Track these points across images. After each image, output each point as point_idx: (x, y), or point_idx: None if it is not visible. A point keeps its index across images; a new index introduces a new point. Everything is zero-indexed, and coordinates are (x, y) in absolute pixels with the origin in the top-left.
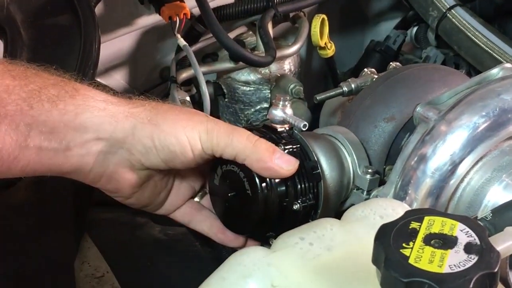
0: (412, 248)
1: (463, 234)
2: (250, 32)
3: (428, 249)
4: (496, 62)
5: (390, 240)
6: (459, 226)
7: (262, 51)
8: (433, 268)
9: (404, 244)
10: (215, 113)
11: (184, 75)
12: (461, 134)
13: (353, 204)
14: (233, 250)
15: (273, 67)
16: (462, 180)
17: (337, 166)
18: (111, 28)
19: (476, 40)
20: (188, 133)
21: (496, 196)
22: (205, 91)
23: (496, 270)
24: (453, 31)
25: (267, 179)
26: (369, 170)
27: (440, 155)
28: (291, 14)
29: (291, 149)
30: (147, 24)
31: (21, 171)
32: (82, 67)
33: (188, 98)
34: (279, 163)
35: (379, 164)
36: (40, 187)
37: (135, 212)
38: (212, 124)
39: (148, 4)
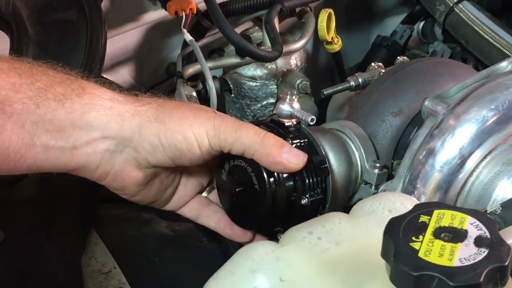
0: (421, 241)
1: (473, 227)
2: (257, 27)
3: (438, 243)
4: (504, 56)
5: (400, 233)
6: (469, 219)
7: (268, 46)
8: (443, 261)
9: (413, 238)
10: (221, 108)
11: (191, 70)
12: (470, 128)
13: (361, 199)
14: (240, 245)
15: (280, 62)
16: (471, 174)
17: (345, 160)
18: (117, 24)
19: (484, 34)
20: (195, 130)
21: (505, 190)
22: (212, 86)
23: (506, 263)
24: (460, 26)
25: (275, 174)
26: (377, 165)
27: (448, 149)
28: (297, 9)
29: (298, 144)
30: (153, 20)
31: (27, 168)
32: (89, 62)
33: (194, 94)
34: (288, 157)
35: (387, 158)
36: (47, 184)
37: (142, 208)
38: (219, 120)
39: (154, 0)
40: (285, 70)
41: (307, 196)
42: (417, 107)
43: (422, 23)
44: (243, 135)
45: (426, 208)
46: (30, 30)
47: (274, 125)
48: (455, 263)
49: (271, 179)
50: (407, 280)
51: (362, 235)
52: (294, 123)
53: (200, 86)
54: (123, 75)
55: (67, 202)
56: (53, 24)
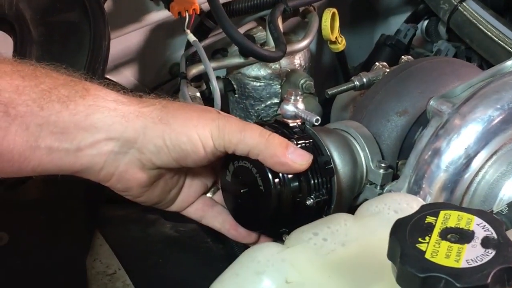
0: (428, 242)
1: (480, 228)
2: (260, 27)
3: (445, 244)
4: (509, 55)
5: (406, 235)
6: (476, 220)
7: (272, 46)
8: (450, 263)
9: (420, 239)
10: (225, 109)
11: (194, 71)
12: (476, 128)
13: (366, 199)
14: (245, 246)
15: (283, 62)
16: (476, 174)
17: (350, 160)
18: (121, 25)
19: (488, 33)
20: (200, 131)
21: (511, 190)
22: (216, 87)
23: None
24: (464, 24)
25: (280, 175)
26: (382, 165)
27: (454, 149)
28: (301, 9)
29: (303, 144)
30: (156, 20)
31: (32, 170)
32: (92, 63)
33: (198, 94)
34: (293, 158)
35: (392, 158)
36: (51, 185)
37: (146, 209)
38: (223, 121)
39: (158, 0)
40: (289, 70)
41: (312, 197)
42: (422, 107)
43: (426, 22)
44: (247, 136)
45: (432, 209)
46: (33, 31)
47: (278, 126)
48: (462, 264)
49: (276, 180)
50: (413, 282)
51: (368, 236)
52: (299, 123)
53: (204, 86)
54: (127, 76)
55: (71, 203)
56: (56, 26)
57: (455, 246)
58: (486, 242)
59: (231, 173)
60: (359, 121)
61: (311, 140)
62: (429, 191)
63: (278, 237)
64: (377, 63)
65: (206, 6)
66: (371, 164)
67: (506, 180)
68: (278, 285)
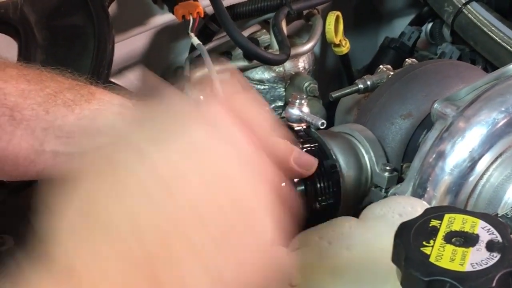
0: (432, 246)
1: (485, 231)
2: (264, 30)
3: (449, 247)
4: None
5: (410, 238)
6: (481, 223)
7: (276, 49)
8: (455, 266)
9: (424, 243)
10: None
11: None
12: (480, 130)
13: (371, 202)
14: None
15: (288, 65)
16: (481, 177)
17: (355, 164)
18: (125, 28)
19: (493, 35)
20: None
21: None
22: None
23: None
24: (469, 27)
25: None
26: (387, 168)
27: (458, 151)
28: (305, 12)
29: (309, 148)
30: (160, 24)
31: (36, 174)
32: (97, 67)
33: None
34: (298, 163)
35: (397, 161)
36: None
37: None
38: None
39: (162, 3)
40: (293, 73)
41: (318, 201)
42: (426, 110)
43: (430, 25)
44: None
45: (437, 212)
46: (38, 35)
47: None
48: (467, 268)
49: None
50: (418, 286)
51: (372, 239)
52: (304, 127)
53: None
54: (131, 79)
55: None
56: (61, 29)
57: (460, 250)
58: (491, 246)
59: None
60: (364, 124)
61: (316, 144)
62: (434, 194)
63: None
64: (381, 66)
65: (210, 10)
66: (376, 167)
67: (511, 183)
68: None
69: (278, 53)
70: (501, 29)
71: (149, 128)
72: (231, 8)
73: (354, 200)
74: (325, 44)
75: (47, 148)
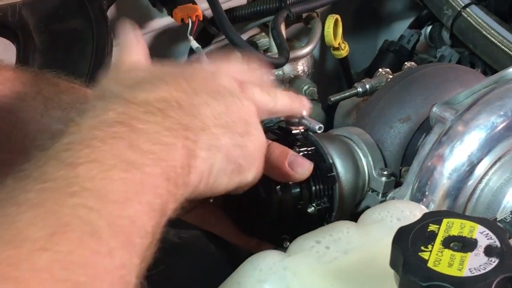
0: (430, 251)
1: (483, 236)
2: (263, 34)
3: (447, 252)
4: None
5: (408, 243)
6: (479, 228)
7: (275, 52)
8: (453, 271)
9: (422, 247)
10: None
11: None
12: (479, 134)
13: (368, 206)
14: (248, 252)
15: (287, 68)
16: (480, 181)
17: (352, 168)
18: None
19: (492, 39)
20: None
21: None
22: None
23: None
24: (468, 30)
25: (282, 182)
26: (385, 172)
27: (457, 155)
28: (304, 15)
29: (305, 152)
30: (159, 27)
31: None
32: (95, 71)
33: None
34: (293, 167)
35: (395, 165)
36: None
37: None
38: None
39: (161, 7)
40: (292, 76)
41: (313, 204)
42: (425, 113)
43: (429, 28)
44: None
45: (435, 216)
46: (36, 39)
47: (281, 133)
48: (465, 273)
49: (277, 187)
50: None
51: (370, 244)
52: (302, 130)
53: None
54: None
55: None
56: (59, 33)
57: (458, 255)
58: (489, 251)
59: None
60: (362, 128)
61: (313, 148)
62: (432, 199)
63: (279, 244)
64: (380, 70)
65: (209, 13)
66: (373, 171)
67: (510, 187)
68: None
69: (277, 56)
70: (500, 32)
71: None
72: (230, 11)
73: (351, 204)
74: (324, 47)
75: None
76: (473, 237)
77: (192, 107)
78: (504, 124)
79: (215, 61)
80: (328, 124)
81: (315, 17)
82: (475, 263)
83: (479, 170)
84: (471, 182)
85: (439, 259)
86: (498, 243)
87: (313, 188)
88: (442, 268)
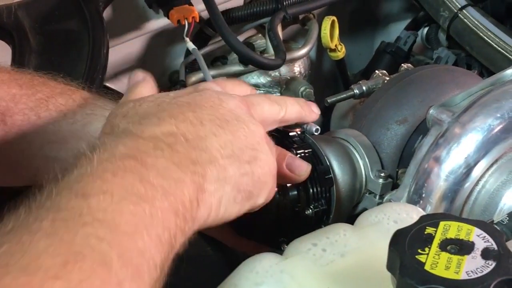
0: (427, 254)
1: (480, 239)
2: (260, 35)
3: (444, 255)
4: (509, 62)
5: (405, 246)
6: (476, 231)
7: (271, 53)
8: (450, 274)
9: (419, 250)
10: None
11: (194, 78)
12: (476, 137)
13: (365, 208)
14: (245, 255)
15: (283, 69)
16: (477, 183)
17: (349, 170)
18: (120, 33)
19: (489, 40)
20: None
21: None
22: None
23: None
24: (464, 32)
25: (279, 184)
26: (382, 174)
27: (454, 158)
28: (300, 16)
29: (303, 154)
30: (155, 28)
31: (29, 179)
32: (91, 72)
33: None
34: (291, 169)
35: (392, 167)
36: None
37: None
38: None
39: (157, 8)
40: (289, 77)
41: (311, 207)
42: (422, 115)
43: (426, 29)
44: None
45: (432, 219)
46: (32, 40)
47: (278, 135)
48: (462, 276)
49: (275, 189)
50: None
51: (367, 246)
52: (299, 132)
53: None
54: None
55: None
56: (55, 34)
57: (455, 258)
58: (486, 254)
59: None
60: (359, 130)
61: (310, 150)
62: (429, 201)
63: (276, 247)
64: (376, 71)
65: (205, 14)
66: (370, 173)
67: (507, 190)
68: None
69: (273, 57)
70: (496, 34)
71: None
72: (226, 12)
73: (348, 206)
74: (321, 49)
75: (40, 153)
76: (470, 240)
77: (199, 140)
78: (500, 126)
79: (220, 82)
80: (325, 126)
81: (312, 19)
82: (472, 266)
83: (476, 172)
84: (468, 185)
85: (436, 262)
86: (495, 246)
87: (311, 190)
88: (439, 271)
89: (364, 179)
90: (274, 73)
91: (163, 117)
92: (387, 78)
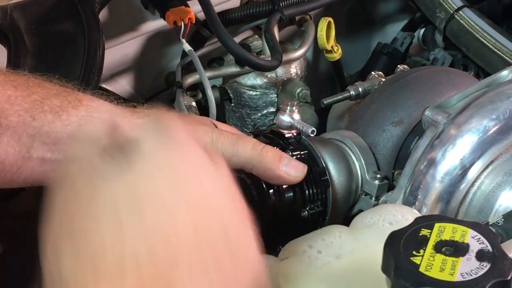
0: (422, 256)
1: (475, 241)
2: (256, 36)
3: (439, 257)
4: (505, 63)
5: (400, 247)
6: (471, 232)
7: (268, 55)
8: (445, 276)
9: (414, 252)
10: (221, 118)
11: (190, 80)
12: (471, 138)
13: (361, 210)
14: None
15: (280, 71)
16: (472, 185)
17: (345, 171)
18: (116, 34)
19: (485, 42)
20: None
21: (507, 201)
22: (211, 96)
23: (509, 277)
24: (461, 33)
25: (275, 186)
26: (378, 176)
27: (449, 159)
28: (297, 18)
29: (299, 155)
30: (152, 29)
31: (24, 181)
32: (86, 74)
33: (194, 104)
34: (287, 170)
35: (388, 168)
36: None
37: None
38: (216, 134)
39: (153, 9)
40: (285, 79)
41: (307, 208)
42: (418, 117)
43: (422, 30)
44: (240, 149)
45: (427, 221)
46: (28, 41)
47: (274, 137)
48: (457, 278)
49: (271, 191)
50: None
51: (362, 248)
52: (295, 134)
53: (200, 95)
54: (123, 85)
55: None
56: (51, 36)
57: (450, 259)
58: (481, 255)
59: None
60: (355, 131)
61: (306, 151)
62: (425, 202)
63: (272, 249)
64: (373, 73)
65: (201, 15)
66: (366, 175)
67: (502, 191)
68: None
69: (270, 59)
70: (493, 35)
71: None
72: (223, 14)
73: (344, 207)
74: (318, 50)
75: (34, 155)
76: (465, 241)
77: None
78: (496, 127)
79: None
80: (321, 127)
81: (308, 20)
82: (466, 268)
83: (472, 174)
84: (464, 186)
85: (431, 264)
86: (490, 248)
87: (307, 192)
88: (434, 272)
89: (360, 181)
90: (271, 75)
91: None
92: (383, 80)
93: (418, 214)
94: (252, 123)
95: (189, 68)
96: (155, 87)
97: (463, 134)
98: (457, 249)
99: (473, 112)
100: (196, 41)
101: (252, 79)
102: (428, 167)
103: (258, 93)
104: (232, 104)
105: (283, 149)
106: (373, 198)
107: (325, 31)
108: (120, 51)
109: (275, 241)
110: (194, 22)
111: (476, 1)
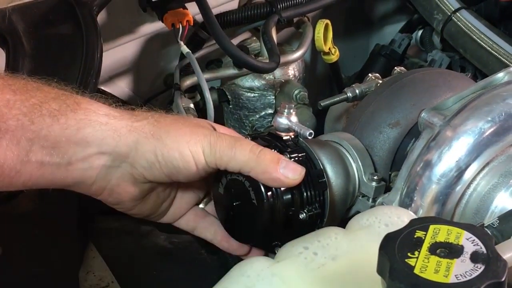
0: (417, 257)
1: (469, 242)
2: (254, 38)
3: (434, 259)
4: (502, 65)
5: (395, 249)
6: (465, 234)
7: (266, 57)
8: (439, 278)
9: (409, 254)
10: (219, 119)
11: (188, 82)
12: (467, 140)
13: (358, 211)
14: (240, 257)
15: (277, 72)
16: (468, 186)
17: (342, 173)
18: (114, 36)
19: (482, 43)
20: (192, 148)
21: (503, 202)
22: (209, 98)
23: (503, 279)
24: (458, 34)
25: (273, 188)
26: (375, 177)
27: (445, 161)
28: (295, 19)
29: (296, 158)
30: (150, 32)
31: (23, 185)
32: (84, 76)
33: (192, 105)
34: (285, 172)
35: (385, 170)
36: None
37: (141, 221)
38: (214, 137)
39: (151, 12)
40: (283, 80)
41: (305, 210)
42: (414, 119)
43: (420, 32)
44: (238, 152)
45: (422, 223)
46: (26, 44)
47: (271, 139)
48: (451, 279)
49: (269, 193)
50: None
51: (358, 250)
52: (292, 136)
53: (198, 97)
54: (121, 87)
55: (63, 216)
56: (49, 38)
57: (444, 261)
58: (475, 257)
59: (223, 185)
60: (352, 133)
61: (304, 154)
62: (421, 204)
63: (270, 250)
64: (370, 74)
65: (199, 18)
66: (363, 176)
67: (498, 192)
68: None
69: (267, 61)
70: (490, 37)
71: None
72: (220, 16)
73: (341, 209)
74: (316, 52)
75: (33, 159)
76: (460, 243)
77: None
78: (492, 129)
79: None
80: (319, 129)
81: (306, 22)
82: (461, 270)
83: (467, 176)
84: (459, 188)
85: (426, 266)
86: (484, 249)
87: (304, 194)
88: (428, 274)
89: (357, 182)
90: (269, 76)
91: None
92: (380, 81)
93: (414, 216)
94: (250, 124)
95: (187, 70)
96: (154, 89)
97: (459, 136)
98: (451, 251)
99: (469, 114)
100: (194, 43)
101: (250, 81)
102: (424, 169)
103: (256, 95)
104: (230, 106)
105: (281, 151)
106: (370, 200)
107: (322, 33)
108: (118, 53)
109: (273, 243)
110: (192, 24)
111: (473, 3)
